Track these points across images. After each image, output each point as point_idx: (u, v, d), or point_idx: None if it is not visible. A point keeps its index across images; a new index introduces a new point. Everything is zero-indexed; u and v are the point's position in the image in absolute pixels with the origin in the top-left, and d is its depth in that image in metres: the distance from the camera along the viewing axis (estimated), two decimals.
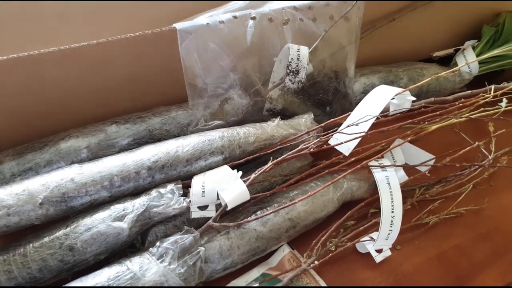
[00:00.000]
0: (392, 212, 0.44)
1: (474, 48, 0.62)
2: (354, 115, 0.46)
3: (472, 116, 0.48)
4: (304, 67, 0.48)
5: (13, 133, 0.48)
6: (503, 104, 0.47)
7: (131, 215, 0.41)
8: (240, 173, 0.44)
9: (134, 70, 0.49)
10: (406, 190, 0.52)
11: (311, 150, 0.46)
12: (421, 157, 0.54)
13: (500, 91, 0.50)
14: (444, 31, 0.65)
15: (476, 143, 0.51)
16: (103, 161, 0.44)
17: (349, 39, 0.51)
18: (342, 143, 0.45)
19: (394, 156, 0.52)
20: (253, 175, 0.44)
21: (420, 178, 0.52)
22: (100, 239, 0.40)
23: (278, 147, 0.48)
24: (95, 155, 0.47)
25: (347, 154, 0.45)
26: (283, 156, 0.45)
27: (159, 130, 0.50)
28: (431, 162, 0.53)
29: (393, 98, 0.47)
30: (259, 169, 0.44)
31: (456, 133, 0.53)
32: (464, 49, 0.63)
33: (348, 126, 0.45)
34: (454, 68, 0.49)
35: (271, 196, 0.47)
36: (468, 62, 0.59)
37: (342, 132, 0.45)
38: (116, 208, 0.42)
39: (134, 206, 0.42)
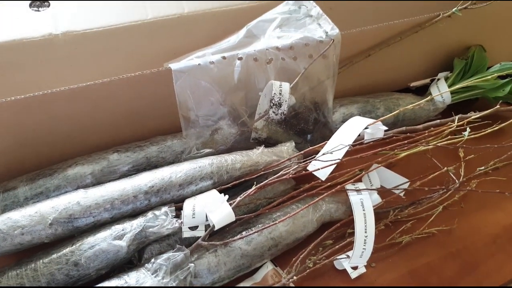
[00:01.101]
0: (365, 233, 0.48)
1: (446, 79, 0.66)
2: (330, 144, 0.50)
3: (439, 144, 0.52)
4: (286, 101, 0.53)
5: (26, 161, 0.52)
6: (466, 133, 0.51)
7: (129, 235, 0.45)
8: (227, 196, 0.47)
9: (134, 105, 0.53)
10: (381, 211, 0.55)
11: (291, 175, 0.50)
12: (397, 181, 0.58)
13: (466, 120, 0.54)
14: (418, 64, 0.69)
15: (445, 168, 0.55)
16: (105, 186, 0.48)
17: (327, 74, 0.55)
18: (319, 169, 0.49)
19: (371, 180, 0.56)
20: (238, 198, 0.48)
21: (393, 200, 0.55)
22: (102, 256, 0.44)
23: (262, 172, 0.51)
24: (98, 180, 0.50)
25: (323, 179, 0.48)
26: (266, 181, 0.49)
27: (156, 157, 0.53)
28: (405, 186, 0.57)
29: (367, 128, 0.52)
30: (244, 192, 0.48)
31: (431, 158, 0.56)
32: (438, 79, 0.67)
33: (324, 154, 0.49)
34: (423, 100, 0.54)
35: (255, 217, 0.50)
36: (441, 92, 0.63)
37: (318, 160, 0.50)
38: (116, 228, 0.45)
39: (132, 227, 0.45)
